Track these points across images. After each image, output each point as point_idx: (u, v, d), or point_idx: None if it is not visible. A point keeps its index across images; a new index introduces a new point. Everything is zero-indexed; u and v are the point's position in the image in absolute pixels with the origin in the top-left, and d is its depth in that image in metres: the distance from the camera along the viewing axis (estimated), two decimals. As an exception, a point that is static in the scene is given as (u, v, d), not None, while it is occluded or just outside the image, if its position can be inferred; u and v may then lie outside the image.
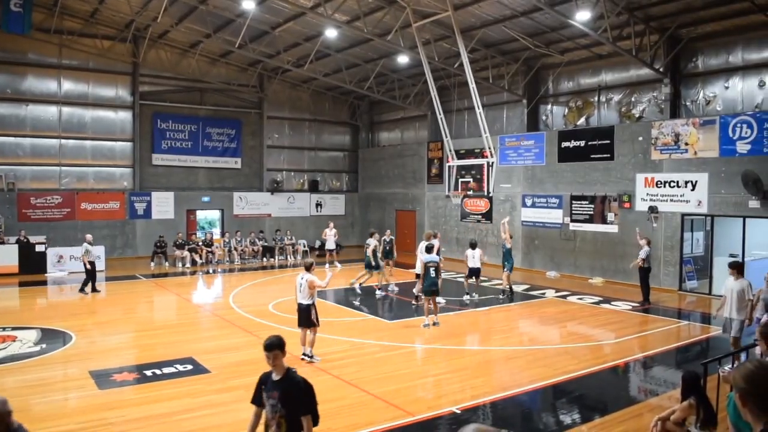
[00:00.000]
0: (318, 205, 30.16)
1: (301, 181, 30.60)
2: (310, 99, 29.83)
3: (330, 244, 23.94)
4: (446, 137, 22.36)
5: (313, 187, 30.35)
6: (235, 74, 27.75)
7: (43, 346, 11.50)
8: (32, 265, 20.46)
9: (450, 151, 22.80)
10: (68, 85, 24.39)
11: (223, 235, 26.38)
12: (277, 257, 25.50)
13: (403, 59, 23.22)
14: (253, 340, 11.67)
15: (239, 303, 15.88)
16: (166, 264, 23.34)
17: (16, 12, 19.98)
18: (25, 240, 21.24)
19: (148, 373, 9.70)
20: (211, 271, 22.69)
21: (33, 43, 23.00)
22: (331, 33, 20.93)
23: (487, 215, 23.73)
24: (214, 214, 27.81)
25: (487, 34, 20.61)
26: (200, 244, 24.34)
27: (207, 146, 27.36)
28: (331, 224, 24.55)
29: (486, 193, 23.39)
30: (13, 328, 12.78)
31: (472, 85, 19.54)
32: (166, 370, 9.80)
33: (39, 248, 21.07)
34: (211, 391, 8.93)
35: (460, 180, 24.34)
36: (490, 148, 21.09)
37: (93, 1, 21.96)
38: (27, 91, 23.70)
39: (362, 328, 13.10)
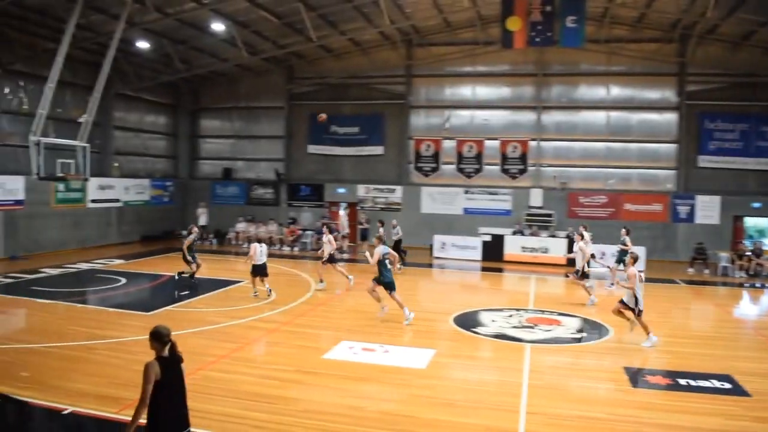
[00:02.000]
0: None
1: None
2: None
3: None
4: None
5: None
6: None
7: (584, 335, 12.42)
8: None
9: None
10: (615, 91, 25.50)
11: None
12: None
13: None
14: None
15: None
16: (706, 271, 22.10)
17: (572, 28, 21.85)
18: (573, 235, 22.96)
19: (682, 381, 9.39)
20: (759, 285, 20.49)
21: (584, 54, 24.79)
22: None
23: None
24: (766, 222, 25.05)
25: None
26: (748, 253, 22.18)
27: (760, 146, 24.70)
28: None
29: None
30: (560, 314, 14.09)
31: None
32: (700, 383, 9.31)
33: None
34: (749, 417, 8.09)
35: None
36: None
37: (640, 6, 22.34)
38: (579, 99, 25.85)
39: None
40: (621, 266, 17.67)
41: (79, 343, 10.97)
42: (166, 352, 5.35)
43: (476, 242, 23.94)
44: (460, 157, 27.10)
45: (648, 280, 20.04)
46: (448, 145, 27.33)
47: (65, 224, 23.48)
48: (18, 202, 21.49)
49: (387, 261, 13.20)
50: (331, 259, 17.38)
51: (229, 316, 13.31)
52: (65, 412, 7.76)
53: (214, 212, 29.00)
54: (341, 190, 28.74)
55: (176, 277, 17.12)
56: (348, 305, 15.19)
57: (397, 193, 27.83)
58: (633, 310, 11.43)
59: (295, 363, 10.01)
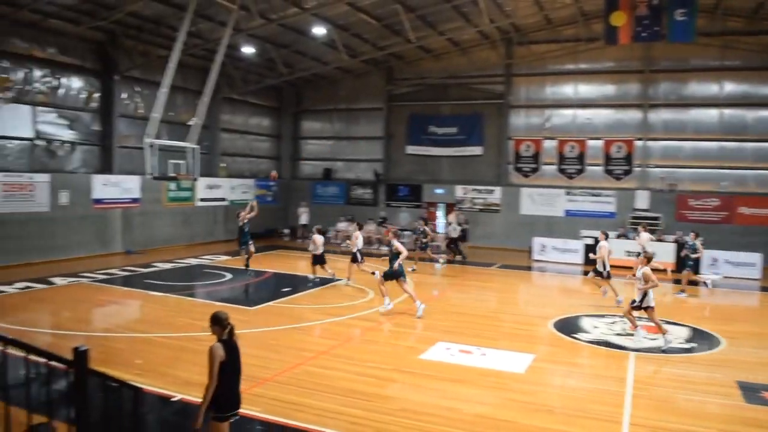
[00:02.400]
0: None
1: None
2: None
3: None
4: None
5: None
6: None
7: (693, 345, 11.76)
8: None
9: None
10: (729, 87, 23.99)
11: None
12: None
13: None
14: None
15: None
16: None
17: (681, 21, 20.76)
18: (682, 239, 21.90)
19: (803, 398, 8.74)
20: None
21: (694, 49, 23.47)
22: None
23: None
24: None
25: None
26: None
27: None
28: None
29: None
30: (667, 322, 13.41)
31: None
32: (824, 400, 8.63)
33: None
34: None
35: None
36: None
37: (758, -3, 20.98)
38: (689, 96, 24.53)
39: None
40: (693, 273, 17.48)
41: (187, 334, 11.54)
42: (225, 335, 5.77)
43: (578, 245, 23.24)
44: (562, 158, 26.40)
45: (764, 289, 18.95)
46: (549, 145, 26.69)
47: (176, 221, 24.72)
48: (134, 201, 22.87)
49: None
50: (354, 258, 17.64)
51: (328, 314, 13.58)
52: (174, 399, 8.18)
53: (315, 212, 29.67)
54: (439, 191, 28.69)
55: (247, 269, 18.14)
56: (445, 306, 15.12)
57: (496, 194, 27.47)
58: (639, 307, 11.60)
59: (392, 362, 10.07)
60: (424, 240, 21.53)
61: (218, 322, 5.82)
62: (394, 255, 13.68)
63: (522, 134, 27.23)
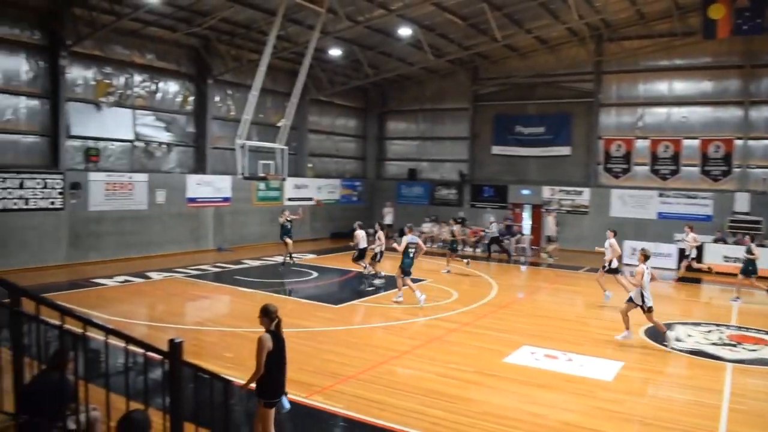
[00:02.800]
0: None
1: None
2: None
3: None
4: None
5: None
6: None
7: (796, 357, 11.06)
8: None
9: None
10: None
11: None
12: None
13: None
14: None
15: None
16: None
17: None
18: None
19: None
20: None
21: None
22: None
23: None
24: None
25: None
26: None
27: None
28: None
29: None
30: (766, 332, 12.72)
31: None
32: None
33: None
34: None
35: None
36: None
37: None
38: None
39: None
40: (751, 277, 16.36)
41: (274, 331, 11.84)
42: (273, 327, 6.12)
43: (671, 249, 22.25)
44: (655, 158, 25.36)
45: None
46: (641, 144, 25.70)
47: (264, 220, 25.42)
48: (225, 200, 23.70)
49: (411, 250, 14.68)
50: (360, 255, 18.26)
51: (411, 314, 13.62)
52: (261, 393, 8.41)
53: (399, 212, 29.83)
54: (525, 192, 28.21)
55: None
56: (531, 309, 14.86)
57: (585, 196, 26.72)
58: (642, 307, 11.51)
59: (475, 364, 9.99)
60: (453, 240, 21.09)
61: (267, 314, 6.14)
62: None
63: (612, 133, 26.36)
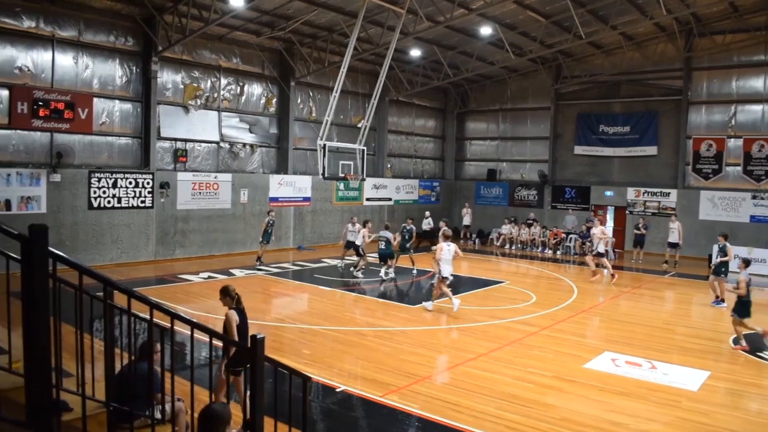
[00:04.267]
0: None
1: None
2: None
3: None
4: None
5: None
6: None
7: None
8: None
9: None
10: None
11: None
12: None
13: None
14: None
15: None
16: None
17: None
18: None
19: None
20: None
21: None
22: None
23: None
24: None
25: None
26: None
27: None
28: None
29: None
30: None
31: None
32: None
33: None
34: None
35: None
36: None
37: None
38: None
39: None
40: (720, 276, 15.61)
41: (351, 329, 12.00)
42: (234, 304, 6.90)
43: (766, 254, 21.13)
44: (748, 158, 24.06)
45: None
46: (734, 144, 24.46)
47: (344, 219, 25.71)
48: (306, 199, 24.18)
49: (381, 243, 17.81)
50: (349, 244, 18.99)
51: (489, 316, 13.49)
52: (338, 389, 8.55)
53: (478, 213, 29.60)
54: (609, 194, 27.40)
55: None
56: (613, 315, 14.43)
57: (672, 197, 25.68)
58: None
59: (554, 369, 9.79)
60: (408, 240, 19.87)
61: (228, 294, 6.97)
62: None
63: (702, 132, 25.20)
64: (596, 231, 18.95)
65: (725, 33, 23.96)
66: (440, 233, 14.96)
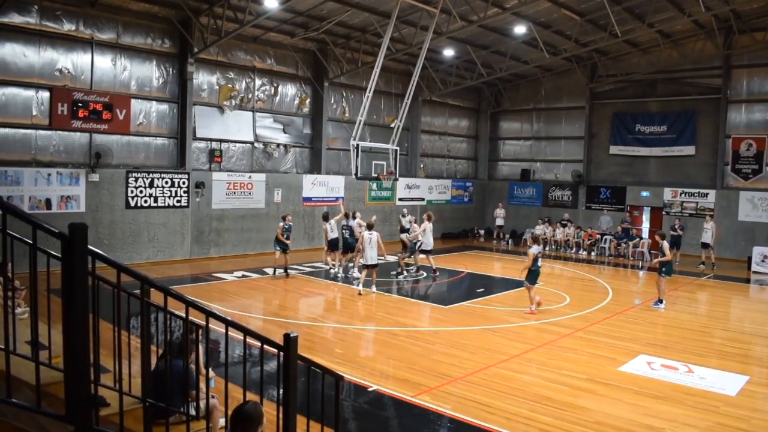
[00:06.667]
0: None
1: None
2: None
3: None
4: None
5: None
6: None
7: None
8: None
9: None
10: None
11: None
12: None
13: None
14: None
15: None
16: None
17: None
18: None
19: None
20: None
21: None
22: None
23: None
24: None
25: None
26: None
27: None
28: None
29: None
30: None
31: None
32: None
33: None
34: None
35: None
36: None
37: None
38: None
39: None
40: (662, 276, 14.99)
41: (383, 328, 12.02)
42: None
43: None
44: (791, 158, 23.47)
45: None
46: (776, 143, 23.90)
47: (377, 219, 25.80)
48: (338, 199, 24.25)
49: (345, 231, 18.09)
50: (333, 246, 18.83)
51: (522, 317, 13.39)
52: (370, 389, 8.58)
53: (511, 213, 29.41)
54: (645, 194, 26.96)
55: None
56: (650, 317, 14.19)
57: (710, 198, 25.14)
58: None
59: (588, 371, 9.68)
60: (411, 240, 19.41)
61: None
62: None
63: (742, 132, 24.61)
64: (415, 226, 19.63)
65: (766, 30, 23.38)
66: (361, 225, 17.78)
